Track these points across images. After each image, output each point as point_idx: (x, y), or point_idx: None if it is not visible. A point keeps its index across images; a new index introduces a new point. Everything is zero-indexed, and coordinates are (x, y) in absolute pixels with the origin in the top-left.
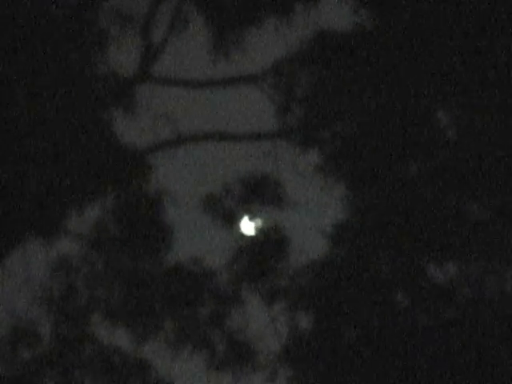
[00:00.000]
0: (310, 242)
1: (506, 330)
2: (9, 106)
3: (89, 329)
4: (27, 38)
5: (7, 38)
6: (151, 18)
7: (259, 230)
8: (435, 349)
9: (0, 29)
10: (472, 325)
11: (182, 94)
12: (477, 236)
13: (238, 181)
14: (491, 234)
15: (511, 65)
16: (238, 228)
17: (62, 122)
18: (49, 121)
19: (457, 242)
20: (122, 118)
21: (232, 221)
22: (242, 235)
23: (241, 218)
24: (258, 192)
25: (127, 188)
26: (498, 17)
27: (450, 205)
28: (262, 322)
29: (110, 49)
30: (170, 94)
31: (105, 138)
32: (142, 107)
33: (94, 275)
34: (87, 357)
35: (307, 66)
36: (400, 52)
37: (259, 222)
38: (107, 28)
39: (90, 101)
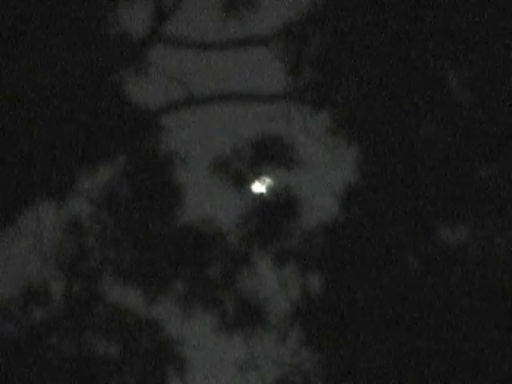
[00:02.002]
0: (321, 204)
1: None
2: (19, 66)
3: (100, 289)
4: None
5: None
6: None
7: (270, 192)
8: (445, 309)
9: None
10: (482, 285)
11: (193, 55)
12: (487, 197)
13: (249, 142)
14: (502, 195)
15: None
16: (249, 189)
17: (73, 83)
18: (59, 81)
19: (467, 203)
20: (133, 79)
21: (243, 182)
22: (253, 196)
23: (252, 179)
24: (269, 153)
25: (138, 149)
26: None
27: (461, 166)
28: (273, 283)
29: (121, 9)
30: (181, 55)
31: (116, 98)
32: (153, 68)
33: (105, 236)
34: (98, 317)
35: (319, 28)
36: (413, 13)
37: (270, 183)
38: None
39: (100, 61)
